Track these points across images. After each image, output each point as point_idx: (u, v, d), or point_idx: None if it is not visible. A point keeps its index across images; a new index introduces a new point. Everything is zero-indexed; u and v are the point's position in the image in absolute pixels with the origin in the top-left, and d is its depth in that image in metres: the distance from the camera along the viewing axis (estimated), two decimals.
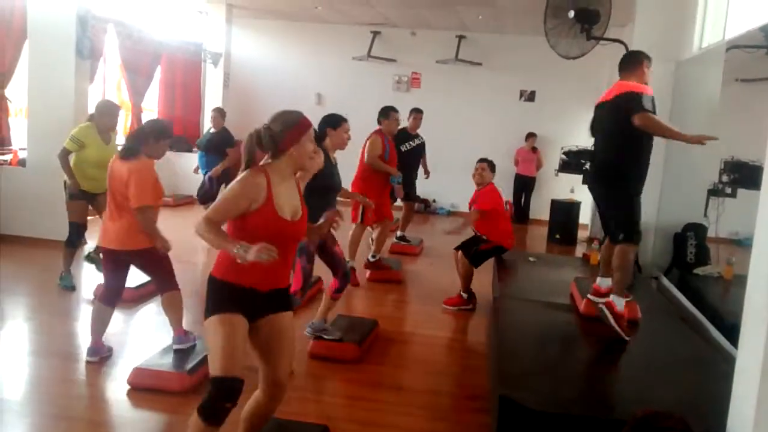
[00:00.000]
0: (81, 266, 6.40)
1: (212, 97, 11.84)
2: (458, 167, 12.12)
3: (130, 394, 3.97)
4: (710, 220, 5.56)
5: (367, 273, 7.04)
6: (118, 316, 5.25)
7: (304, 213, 2.91)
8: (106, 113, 5.74)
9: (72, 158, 5.78)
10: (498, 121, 12.11)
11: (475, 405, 4.14)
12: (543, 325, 4.61)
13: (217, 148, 8.45)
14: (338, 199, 4.88)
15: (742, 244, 5.09)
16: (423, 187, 12.11)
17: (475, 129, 12.26)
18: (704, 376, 3.74)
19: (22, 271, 6.64)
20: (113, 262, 4.33)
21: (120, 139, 6.11)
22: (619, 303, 4.24)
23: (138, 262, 4.35)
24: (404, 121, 8.69)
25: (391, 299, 6.59)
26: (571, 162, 9.14)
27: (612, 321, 4.18)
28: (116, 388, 4.07)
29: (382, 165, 6.73)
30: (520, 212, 11.97)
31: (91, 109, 7.52)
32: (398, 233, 8.74)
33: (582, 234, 10.37)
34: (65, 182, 5.97)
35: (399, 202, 8.61)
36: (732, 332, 3.84)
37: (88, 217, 6.10)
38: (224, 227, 2.75)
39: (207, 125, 9.34)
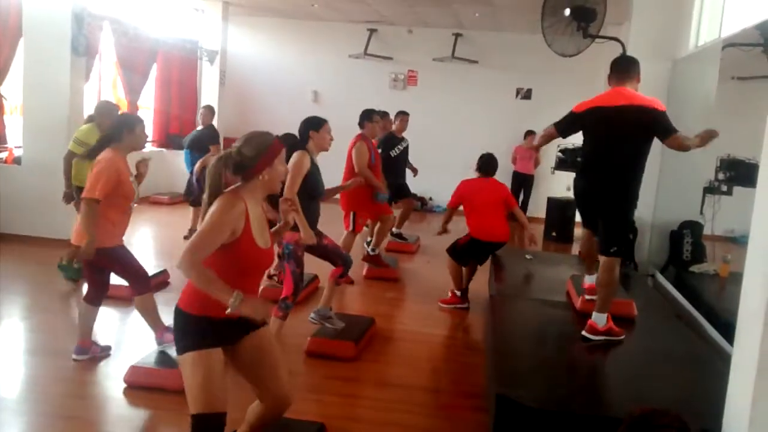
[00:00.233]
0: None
1: (208, 95, 11.80)
2: (454, 165, 12.12)
3: (126, 392, 3.96)
4: (706, 217, 5.57)
5: (364, 270, 7.04)
6: (114, 314, 5.27)
7: (272, 239, 2.85)
8: (107, 114, 5.72)
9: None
10: (494, 119, 12.11)
11: (472, 403, 4.14)
12: (540, 323, 4.62)
13: (202, 145, 8.40)
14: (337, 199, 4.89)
15: (738, 242, 5.10)
16: (419, 185, 12.16)
17: (471, 127, 12.27)
18: (700, 374, 3.76)
19: (18, 269, 6.62)
20: (86, 260, 4.23)
21: None
22: (601, 320, 4.12)
23: (101, 262, 4.21)
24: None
25: (387, 297, 6.58)
26: (568, 160, 9.15)
27: (601, 339, 4.11)
28: (112, 386, 4.07)
29: (371, 177, 6.50)
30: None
31: (87, 107, 7.55)
32: (394, 230, 8.74)
33: (578, 232, 10.36)
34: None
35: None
36: (728, 330, 3.85)
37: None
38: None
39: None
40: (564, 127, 4.29)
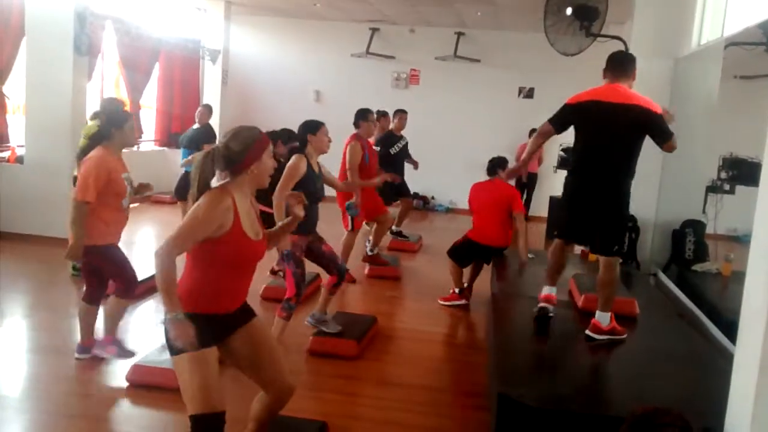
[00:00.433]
0: None
1: (210, 94, 11.82)
2: (457, 164, 12.17)
3: (128, 390, 3.97)
4: (709, 216, 5.55)
5: (366, 269, 7.05)
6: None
7: (264, 231, 2.86)
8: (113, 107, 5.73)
9: None
10: (496, 118, 12.10)
11: (474, 402, 4.15)
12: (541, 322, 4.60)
13: (199, 144, 8.39)
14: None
15: (740, 241, 5.09)
16: (421, 184, 12.17)
17: (473, 126, 12.26)
18: (702, 373, 3.75)
19: (20, 268, 6.63)
20: (85, 260, 4.23)
21: None
22: (605, 319, 4.10)
23: (94, 260, 4.19)
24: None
25: (389, 296, 6.59)
26: (569, 159, 9.13)
27: (604, 338, 4.09)
28: (115, 384, 4.08)
29: (356, 177, 6.44)
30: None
31: (89, 107, 7.55)
32: (393, 228, 8.74)
33: None
34: (75, 176, 5.96)
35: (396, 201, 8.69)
36: (730, 329, 3.84)
37: None
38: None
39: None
40: (560, 121, 4.22)
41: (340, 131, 6.70)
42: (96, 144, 4.15)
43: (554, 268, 4.43)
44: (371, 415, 3.91)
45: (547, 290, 4.43)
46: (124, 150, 4.36)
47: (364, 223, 6.97)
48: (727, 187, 5.18)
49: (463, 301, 6.15)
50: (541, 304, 4.36)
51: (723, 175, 5.18)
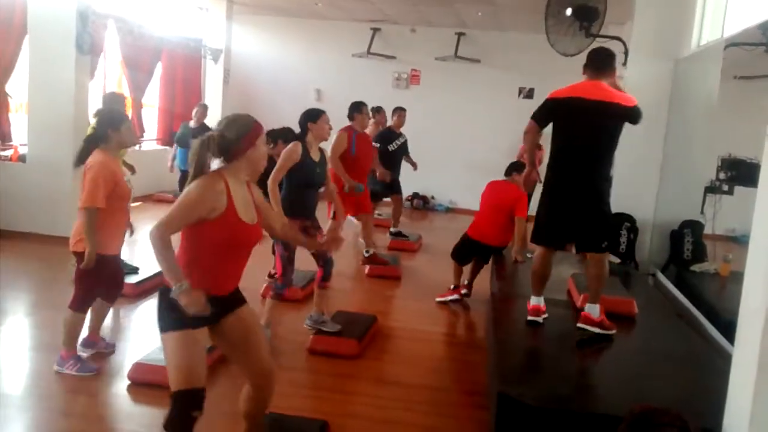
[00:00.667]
0: None
1: (212, 93, 11.84)
2: (457, 164, 12.19)
3: (130, 389, 3.99)
4: (707, 217, 5.56)
5: (366, 269, 7.07)
6: (118, 312, 5.29)
7: (260, 216, 2.93)
8: (115, 103, 5.74)
9: None
10: (496, 118, 12.08)
11: (473, 401, 4.17)
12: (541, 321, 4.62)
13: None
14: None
15: (738, 241, 5.10)
16: (421, 183, 12.18)
17: (473, 126, 12.27)
18: (701, 373, 3.76)
19: (22, 266, 6.65)
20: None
21: None
22: (594, 311, 4.17)
23: (77, 266, 4.10)
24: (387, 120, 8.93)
25: (390, 295, 6.61)
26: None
27: (595, 330, 4.14)
28: (116, 383, 4.09)
29: (340, 169, 6.57)
30: None
31: (92, 105, 7.56)
32: (391, 229, 8.75)
33: None
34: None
35: (386, 198, 8.80)
36: (728, 329, 3.85)
37: None
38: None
39: (207, 122, 9.34)
40: (542, 117, 4.22)
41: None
42: (91, 146, 4.10)
43: (540, 277, 4.38)
44: (371, 414, 3.93)
45: (534, 301, 4.37)
46: (126, 151, 4.36)
47: (349, 216, 7.00)
48: (725, 187, 5.19)
49: (455, 296, 6.19)
50: (530, 317, 4.31)
51: (722, 175, 5.20)
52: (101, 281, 4.20)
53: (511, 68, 12.06)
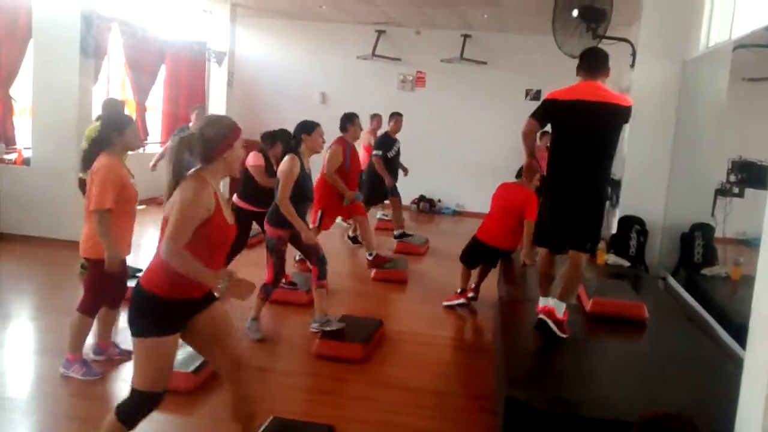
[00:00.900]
0: None
1: (216, 96, 11.82)
2: (463, 166, 12.15)
3: None
4: (718, 220, 5.52)
5: (373, 273, 7.04)
6: (123, 315, 5.27)
7: (233, 216, 2.97)
8: (114, 109, 5.74)
9: None
10: (503, 120, 12.02)
11: (481, 405, 4.13)
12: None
13: None
14: None
15: (749, 244, 5.06)
16: (428, 186, 12.17)
17: (479, 128, 12.23)
18: (712, 377, 3.72)
19: (26, 270, 6.64)
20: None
21: None
22: (560, 308, 4.07)
23: (98, 272, 4.09)
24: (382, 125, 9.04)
25: (396, 299, 6.58)
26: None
27: (553, 327, 4.03)
28: (120, 387, 4.08)
29: (339, 182, 6.64)
30: None
31: (95, 109, 7.56)
32: (395, 232, 8.72)
33: None
34: (80, 178, 5.98)
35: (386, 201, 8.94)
36: (740, 333, 3.82)
37: None
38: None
39: None
40: (542, 117, 4.15)
41: None
42: (97, 149, 4.10)
43: (545, 279, 4.35)
44: (378, 418, 3.89)
45: (543, 302, 4.31)
46: (129, 153, 4.35)
47: (339, 219, 7.08)
48: (736, 190, 5.15)
49: (462, 300, 6.15)
50: (540, 316, 4.23)
51: (732, 178, 5.16)
52: (110, 285, 4.20)
53: (517, 70, 12.02)
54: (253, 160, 5.86)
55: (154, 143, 11.48)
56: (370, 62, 12.40)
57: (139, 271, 5.86)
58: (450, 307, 6.14)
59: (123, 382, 4.10)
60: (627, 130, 4.48)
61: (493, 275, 6.22)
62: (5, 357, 4.49)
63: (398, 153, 8.74)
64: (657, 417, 2.14)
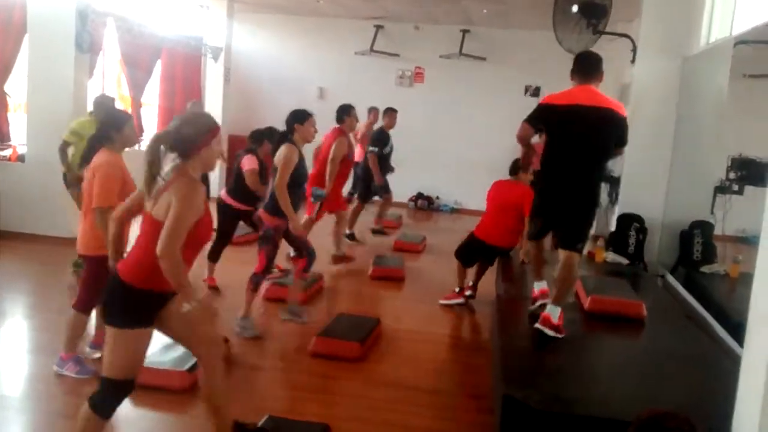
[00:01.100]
0: None
1: (213, 92, 11.79)
2: (461, 163, 12.12)
3: None
4: (717, 217, 5.50)
5: (370, 270, 7.01)
6: None
7: (220, 212, 3.04)
8: (107, 105, 5.72)
9: (71, 151, 5.78)
10: (502, 116, 11.93)
11: (478, 404, 4.12)
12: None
13: None
14: None
15: (749, 242, 5.04)
16: (426, 183, 12.15)
17: (478, 125, 12.19)
18: (710, 375, 3.71)
19: (21, 267, 6.61)
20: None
21: None
22: (555, 313, 4.04)
23: (95, 268, 4.02)
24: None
25: (393, 297, 6.56)
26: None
27: (551, 333, 4.01)
28: None
29: (334, 174, 6.82)
30: None
31: (90, 104, 7.53)
32: (347, 231, 8.40)
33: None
34: (65, 174, 5.96)
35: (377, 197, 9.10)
36: (738, 331, 3.80)
37: None
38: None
39: None
40: (537, 122, 4.17)
41: None
42: (95, 146, 4.07)
43: (537, 264, 4.58)
44: (374, 417, 3.87)
45: (537, 286, 4.54)
46: (126, 149, 4.32)
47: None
48: (735, 187, 5.13)
49: (460, 300, 6.13)
50: (539, 302, 4.39)
51: (731, 175, 5.14)
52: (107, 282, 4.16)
53: (517, 66, 11.98)
54: (248, 164, 5.87)
55: (141, 139, 11.45)
56: (368, 58, 12.36)
57: None
58: (447, 306, 6.11)
59: None
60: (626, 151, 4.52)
61: (491, 273, 6.19)
62: None
63: (392, 149, 8.79)
64: (655, 416, 2.14)
